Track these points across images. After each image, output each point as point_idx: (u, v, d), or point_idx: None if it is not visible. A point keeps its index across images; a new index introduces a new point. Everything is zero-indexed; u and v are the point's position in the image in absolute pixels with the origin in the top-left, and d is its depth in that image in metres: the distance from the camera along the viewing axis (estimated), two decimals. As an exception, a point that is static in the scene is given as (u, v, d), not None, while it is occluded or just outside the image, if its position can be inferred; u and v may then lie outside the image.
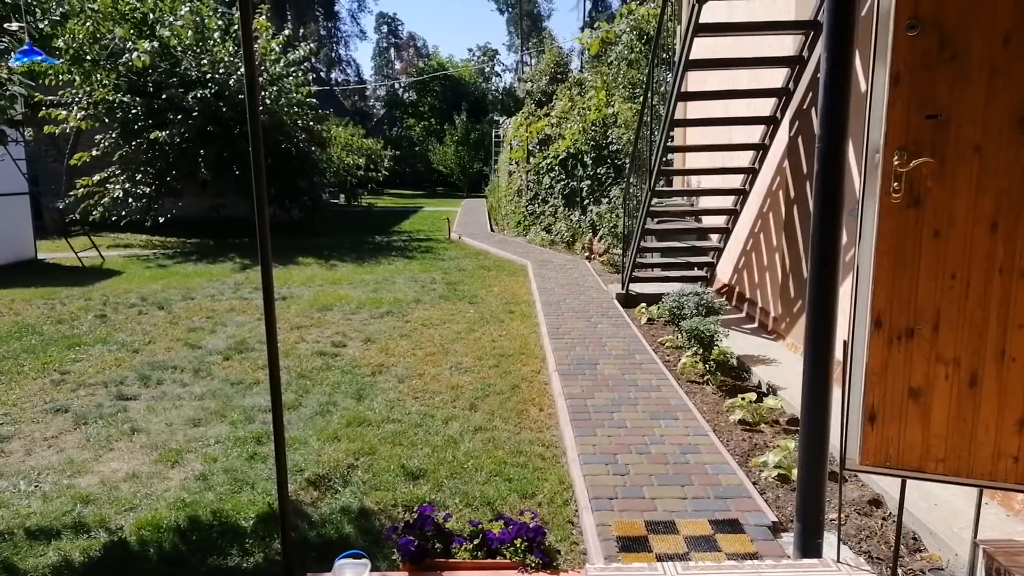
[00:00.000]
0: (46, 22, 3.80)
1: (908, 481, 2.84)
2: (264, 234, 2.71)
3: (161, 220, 14.00)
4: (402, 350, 6.64)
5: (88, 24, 4.25)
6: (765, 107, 6.88)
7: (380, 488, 3.96)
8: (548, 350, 6.41)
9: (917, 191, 2.55)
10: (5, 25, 3.39)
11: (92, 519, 3.66)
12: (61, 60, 4.52)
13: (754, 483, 3.87)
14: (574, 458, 4.16)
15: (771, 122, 6.81)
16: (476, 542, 3.09)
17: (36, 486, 4.05)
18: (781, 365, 5.80)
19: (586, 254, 12.27)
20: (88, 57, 4.37)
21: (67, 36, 4.02)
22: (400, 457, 4.34)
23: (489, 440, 4.58)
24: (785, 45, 6.51)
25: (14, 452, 4.50)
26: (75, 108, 13.02)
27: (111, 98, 13.17)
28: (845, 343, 2.83)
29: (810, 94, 6.19)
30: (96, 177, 13.69)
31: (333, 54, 58.26)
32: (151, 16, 11.80)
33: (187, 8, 11.60)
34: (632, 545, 3.20)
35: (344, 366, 6.16)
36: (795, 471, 3.51)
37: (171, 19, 10.69)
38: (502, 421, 4.91)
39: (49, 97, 12.80)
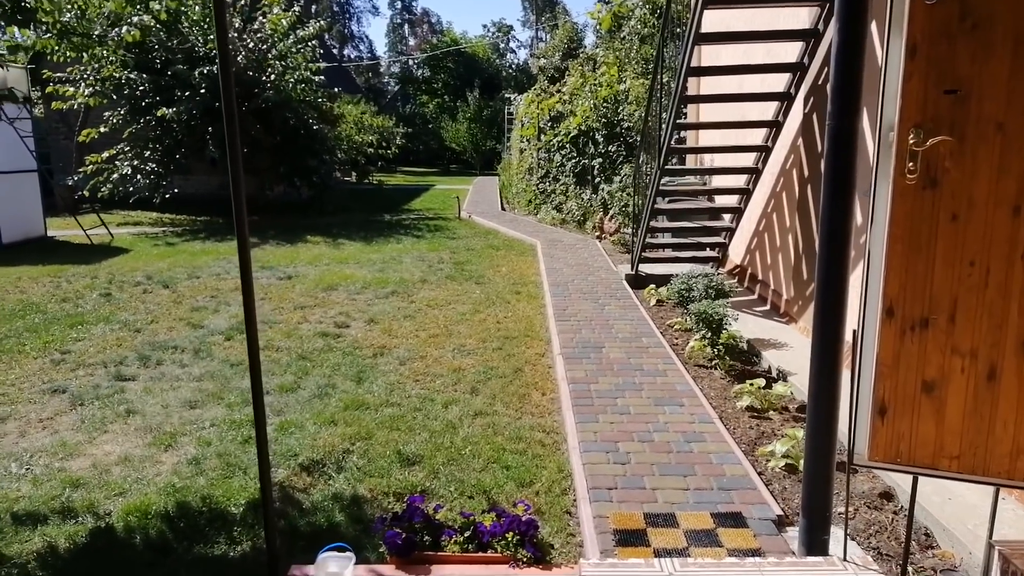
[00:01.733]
0: None
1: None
2: (241, 216, 2.58)
3: (168, 196, 13.92)
4: (405, 331, 6.53)
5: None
6: (779, 83, 6.65)
7: (374, 474, 3.87)
8: (553, 332, 6.28)
9: (934, 172, 2.38)
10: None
11: (80, 504, 3.60)
12: (48, 35, 4.39)
13: (760, 474, 3.75)
14: (574, 445, 4.04)
15: (785, 98, 6.59)
16: (467, 534, 2.98)
17: (27, 469, 4.00)
18: (792, 349, 5.64)
19: (597, 233, 12.09)
20: (77, 32, 4.26)
21: (51, 9, 3.89)
22: (397, 442, 4.24)
23: (489, 425, 4.47)
24: (800, 18, 6.28)
25: (8, 433, 4.46)
26: (82, 85, 12.93)
27: (118, 75, 13.07)
28: (855, 332, 2.68)
29: (825, 69, 5.97)
30: (105, 154, 13.63)
31: (346, 30, 57.86)
32: None
33: None
34: (630, 539, 3.08)
35: (345, 347, 6.07)
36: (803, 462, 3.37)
37: None
38: (503, 406, 4.80)
39: (58, 74, 12.71)
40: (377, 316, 7.04)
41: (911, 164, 2.42)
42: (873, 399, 2.67)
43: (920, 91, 2.35)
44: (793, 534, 3.16)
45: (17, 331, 6.59)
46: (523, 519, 2.95)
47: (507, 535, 2.91)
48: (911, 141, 2.39)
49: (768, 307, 7.03)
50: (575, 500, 3.58)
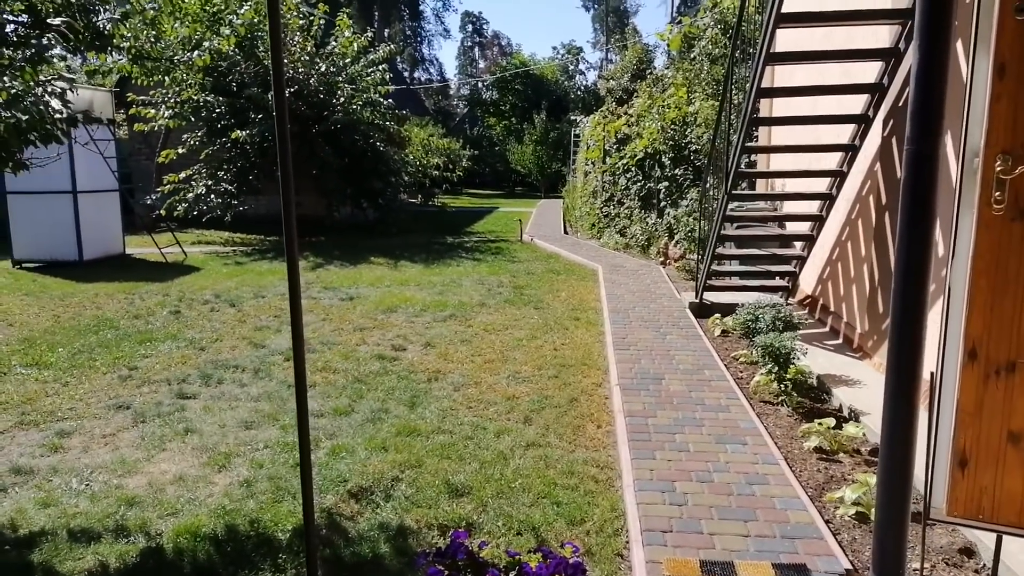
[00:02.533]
0: (106, 18, 3.81)
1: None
2: (291, 234, 2.55)
3: (240, 211, 14.35)
4: (461, 356, 6.47)
5: (147, 25, 4.29)
6: (856, 104, 6.37)
7: (422, 505, 3.79)
8: (611, 361, 6.11)
9: (1023, 202, 2.18)
10: (48, 21, 3.37)
11: (134, 523, 3.64)
12: (124, 59, 4.56)
13: (827, 522, 3.50)
14: (629, 483, 3.88)
15: (862, 121, 6.30)
16: (512, 575, 2.85)
17: (86, 485, 4.07)
18: (866, 387, 5.33)
19: (661, 259, 11.85)
20: (152, 56, 4.42)
21: (128, 35, 4.04)
22: (447, 472, 4.16)
23: (541, 458, 4.34)
24: (880, 37, 6.00)
25: (72, 448, 4.56)
26: (163, 108, 13.50)
27: (196, 98, 13.60)
28: (932, 375, 2.46)
29: (906, 90, 5.68)
30: (182, 174, 14.18)
31: (416, 53, 59.13)
32: (223, 14, 12.06)
33: (248, 6, 11.82)
34: (683, 588, 2.90)
35: (401, 371, 6.04)
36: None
37: (232, 17, 10.87)
38: (556, 437, 4.67)
39: (141, 97, 13.33)
40: (434, 340, 7.01)
41: (998, 193, 2.21)
42: (953, 449, 2.45)
43: (1009, 114, 2.15)
44: (863, 591, 2.92)
45: (90, 346, 6.81)
46: (570, 562, 2.80)
47: (552, 578, 2.77)
48: (998, 168, 2.19)
49: (840, 340, 6.69)
50: (627, 542, 3.42)
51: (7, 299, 8.95)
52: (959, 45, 4.64)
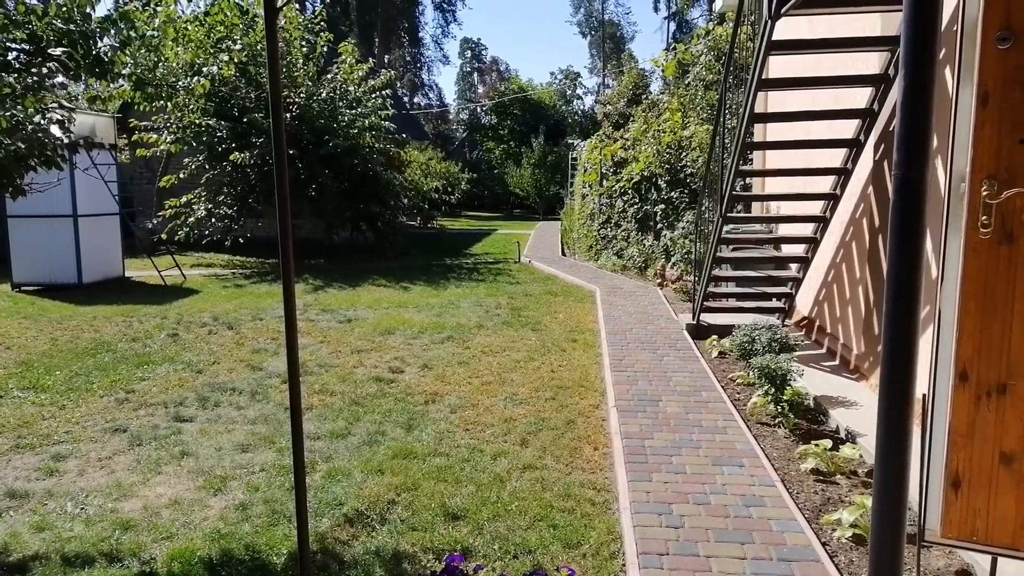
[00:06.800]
0: (107, 46, 3.86)
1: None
2: (287, 257, 2.58)
3: (241, 240, 14.40)
4: (458, 378, 6.48)
5: (149, 51, 4.35)
6: (848, 129, 6.44)
7: (418, 528, 3.78)
8: (609, 383, 6.12)
9: (1010, 226, 2.21)
10: (50, 51, 3.42)
11: (128, 547, 3.63)
12: (125, 85, 4.62)
13: (824, 544, 3.50)
14: (625, 506, 3.87)
15: (854, 145, 6.37)
16: (507, 599, 2.85)
17: (81, 509, 4.06)
18: (862, 408, 5.34)
19: (658, 281, 11.89)
20: (152, 82, 4.48)
21: (128, 62, 4.09)
22: (443, 494, 4.15)
23: (537, 480, 4.34)
24: (870, 63, 6.09)
25: (68, 472, 4.56)
26: (165, 132, 13.60)
27: (198, 122, 13.70)
28: (924, 397, 2.48)
29: (896, 115, 5.75)
30: (184, 198, 14.25)
31: (416, 79, 59.57)
32: (225, 41, 12.17)
33: (242, 30, 11.93)
34: (679, 611, 2.90)
35: (398, 393, 6.05)
36: (870, 535, 3.12)
37: (230, 44, 10.99)
38: (553, 459, 4.67)
39: (143, 123, 13.43)
40: (431, 362, 7.02)
41: (985, 217, 2.25)
42: (946, 470, 2.46)
43: (993, 140, 2.19)
44: (860, 614, 2.91)
45: (87, 369, 6.81)
46: (565, 585, 2.80)
47: (548, 602, 2.77)
48: (984, 193, 2.23)
49: (837, 362, 6.71)
50: (624, 565, 3.41)
51: (5, 322, 8.96)
52: (947, 71, 4.71)
